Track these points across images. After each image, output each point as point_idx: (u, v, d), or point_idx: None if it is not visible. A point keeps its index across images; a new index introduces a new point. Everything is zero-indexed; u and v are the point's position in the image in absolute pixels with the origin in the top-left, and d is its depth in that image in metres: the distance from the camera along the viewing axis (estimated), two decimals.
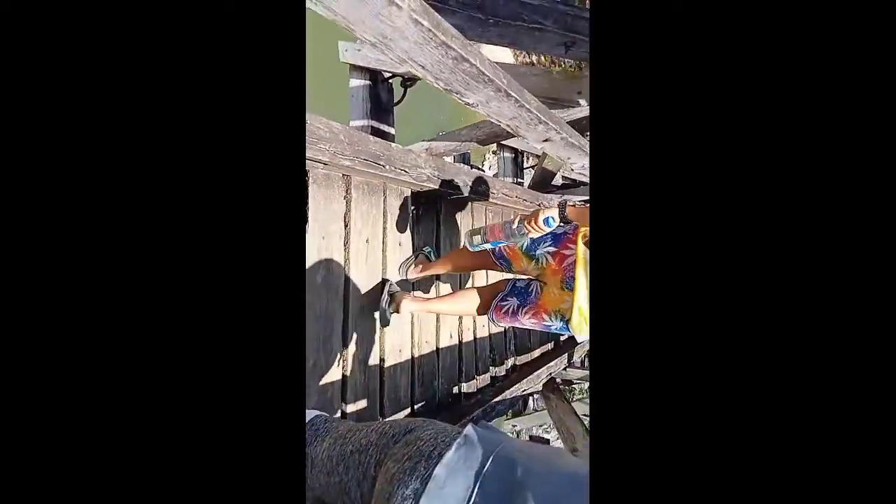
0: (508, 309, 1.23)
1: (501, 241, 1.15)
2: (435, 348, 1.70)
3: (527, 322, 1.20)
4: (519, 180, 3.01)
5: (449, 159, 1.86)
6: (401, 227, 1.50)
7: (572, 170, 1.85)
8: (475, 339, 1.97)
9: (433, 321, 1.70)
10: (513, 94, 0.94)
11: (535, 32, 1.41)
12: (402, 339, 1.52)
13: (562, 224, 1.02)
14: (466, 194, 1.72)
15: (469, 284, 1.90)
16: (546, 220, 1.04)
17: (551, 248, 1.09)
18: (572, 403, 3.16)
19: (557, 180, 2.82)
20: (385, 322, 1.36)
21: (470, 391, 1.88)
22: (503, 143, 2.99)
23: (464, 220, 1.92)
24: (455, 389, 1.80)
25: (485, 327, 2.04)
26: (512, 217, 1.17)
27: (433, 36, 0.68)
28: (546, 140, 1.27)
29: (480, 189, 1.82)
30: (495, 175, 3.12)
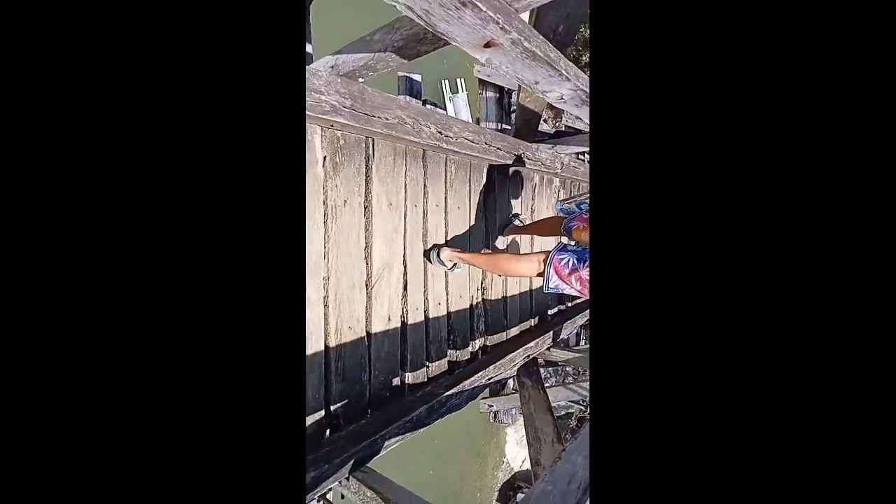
0: (567, 261, 1.30)
1: (586, 201, 1.55)
2: (364, 334, 1.36)
3: (585, 274, 1.26)
4: (506, 126, 2.52)
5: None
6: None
7: (553, 106, 1.39)
8: (427, 319, 1.62)
9: (363, 302, 1.35)
10: None
11: None
12: (308, 327, 1.17)
13: None
14: (402, 135, 1.29)
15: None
16: None
17: None
18: (559, 387, 2.88)
19: (552, 126, 2.33)
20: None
21: (417, 381, 1.57)
22: (484, 79, 2.48)
23: (410, 173, 1.50)
24: (395, 381, 1.48)
25: (441, 305, 1.69)
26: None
27: None
28: (489, 45, 0.82)
29: (427, 130, 1.38)
30: (477, 120, 2.64)
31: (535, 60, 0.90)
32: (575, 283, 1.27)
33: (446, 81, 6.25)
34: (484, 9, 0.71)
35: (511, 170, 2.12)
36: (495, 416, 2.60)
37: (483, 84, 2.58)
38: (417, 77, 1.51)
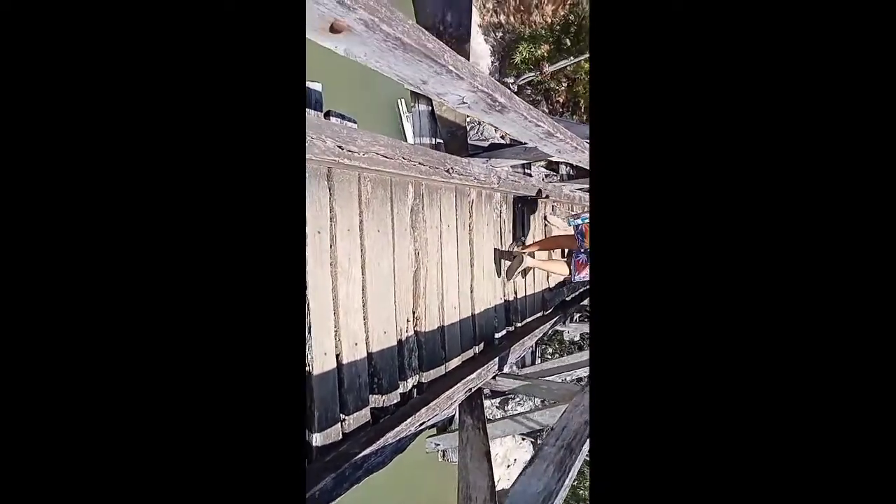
0: (581, 260, 2.22)
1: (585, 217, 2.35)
2: None
3: None
4: (439, 140, 2.37)
5: None
6: None
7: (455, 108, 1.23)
8: (340, 364, 1.38)
9: None
10: None
11: None
12: None
13: None
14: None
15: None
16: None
17: None
18: (507, 420, 2.68)
19: (482, 130, 2.20)
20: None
21: (329, 442, 1.31)
22: (417, 91, 2.32)
23: (310, 195, 1.28)
24: None
25: (358, 345, 1.45)
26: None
27: None
28: (335, 29, 0.63)
29: (321, 144, 1.18)
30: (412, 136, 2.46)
31: (409, 52, 0.73)
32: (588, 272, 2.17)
33: (402, 100, 6.04)
34: None
35: (443, 186, 1.96)
36: (444, 455, 2.37)
37: (415, 97, 2.42)
38: (316, 85, 1.31)
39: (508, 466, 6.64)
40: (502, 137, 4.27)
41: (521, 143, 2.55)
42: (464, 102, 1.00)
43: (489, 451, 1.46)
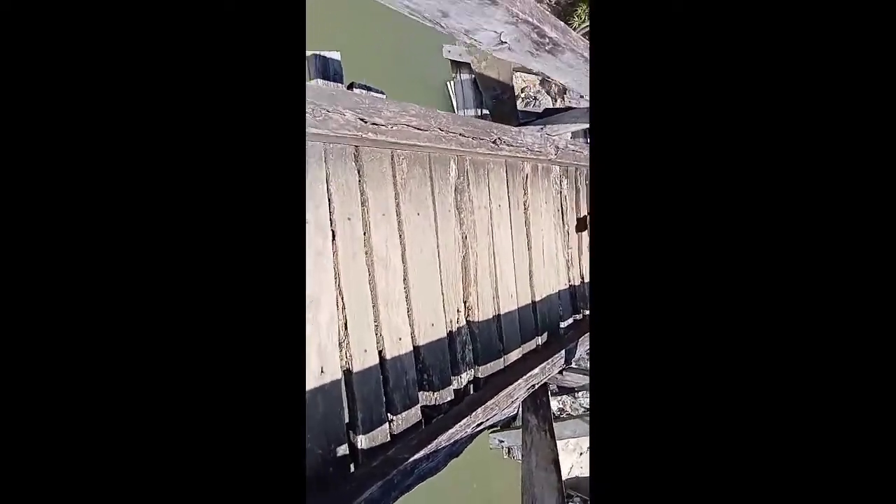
0: None
1: None
2: None
3: None
4: (485, 111, 2.15)
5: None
6: None
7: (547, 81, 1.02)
8: (382, 361, 1.26)
9: None
10: None
11: None
12: None
13: None
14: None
15: None
16: None
17: None
18: (578, 420, 2.42)
19: (539, 104, 1.93)
20: None
21: (376, 444, 1.21)
22: (455, 60, 2.12)
23: (337, 178, 1.16)
24: (340, 450, 1.13)
25: (402, 340, 1.33)
26: None
27: None
28: None
29: (338, 118, 1.04)
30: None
31: None
32: None
33: (451, 83, 5.91)
34: None
35: (490, 160, 1.75)
36: (508, 451, 2.20)
37: (456, 66, 2.22)
38: (334, 55, 1.18)
39: (581, 454, 6.38)
40: (554, 100, 3.87)
41: (579, 107, 2.23)
42: (502, 42, 0.79)
43: (558, 459, 1.27)
